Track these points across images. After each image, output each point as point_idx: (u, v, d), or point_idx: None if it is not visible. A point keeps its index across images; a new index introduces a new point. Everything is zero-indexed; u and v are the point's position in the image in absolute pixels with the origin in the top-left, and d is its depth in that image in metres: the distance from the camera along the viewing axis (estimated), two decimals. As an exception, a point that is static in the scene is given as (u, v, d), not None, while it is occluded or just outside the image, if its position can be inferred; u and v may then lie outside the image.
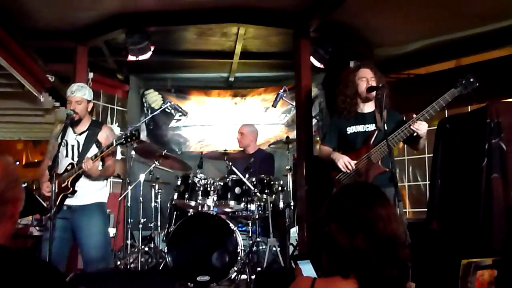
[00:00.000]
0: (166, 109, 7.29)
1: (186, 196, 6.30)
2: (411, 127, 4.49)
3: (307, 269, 2.48)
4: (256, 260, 6.09)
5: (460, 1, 5.75)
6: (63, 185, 4.82)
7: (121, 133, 4.89)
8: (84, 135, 5.03)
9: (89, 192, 4.97)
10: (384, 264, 1.91)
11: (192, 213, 6.24)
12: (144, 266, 6.42)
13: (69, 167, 4.90)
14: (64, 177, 4.86)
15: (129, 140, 4.76)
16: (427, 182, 7.13)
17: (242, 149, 7.71)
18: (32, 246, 7.29)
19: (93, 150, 4.95)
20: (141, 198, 6.82)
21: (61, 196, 4.81)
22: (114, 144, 4.75)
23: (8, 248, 1.87)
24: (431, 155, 5.88)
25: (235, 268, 5.78)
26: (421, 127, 4.49)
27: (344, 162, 4.68)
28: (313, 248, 5.71)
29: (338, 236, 1.97)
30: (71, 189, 4.84)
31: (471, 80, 4.51)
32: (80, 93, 4.99)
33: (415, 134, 4.54)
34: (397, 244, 1.96)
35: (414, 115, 4.54)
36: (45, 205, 4.80)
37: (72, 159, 4.95)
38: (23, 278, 1.78)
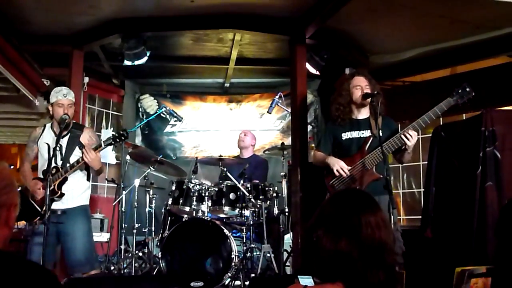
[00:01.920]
0: (161, 114, 7.29)
1: (181, 201, 6.28)
2: (403, 134, 4.49)
3: (307, 283, 2.48)
4: (250, 266, 6.08)
5: (456, 10, 5.77)
6: (50, 189, 4.80)
7: (112, 133, 4.86)
8: (66, 138, 5.02)
9: (74, 196, 4.98)
10: (369, 269, 1.92)
11: (187, 219, 6.22)
12: (138, 271, 6.40)
13: (53, 171, 4.87)
14: (51, 181, 4.84)
15: (117, 140, 4.74)
16: (422, 190, 7.14)
17: (238, 151, 7.73)
18: (25, 250, 7.27)
19: (76, 152, 4.96)
20: (135, 203, 6.80)
21: (48, 200, 4.79)
22: (103, 145, 4.74)
23: (7, 252, 1.86)
24: (426, 162, 5.91)
25: (229, 274, 5.76)
26: (410, 138, 4.47)
27: (339, 166, 4.68)
28: (308, 255, 5.72)
29: (324, 240, 1.98)
30: (59, 192, 4.83)
31: (467, 89, 4.51)
32: (71, 96, 5.02)
33: (404, 144, 4.52)
34: (384, 250, 1.96)
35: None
36: (39, 209, 4.80)
37: (55, 162, 4.93)
38: (21, 282, 1.77)
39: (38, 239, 4.69)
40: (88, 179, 5.18)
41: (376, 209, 2.06)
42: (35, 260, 4.51)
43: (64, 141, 5.00)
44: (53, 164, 4.91)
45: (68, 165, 4.88)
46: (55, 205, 4.88)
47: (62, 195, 4.87)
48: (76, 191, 5.00)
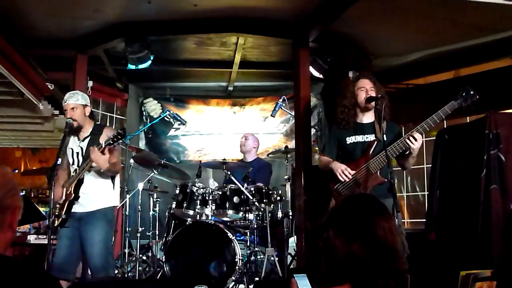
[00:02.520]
0: (165, 118, 7.32)
1: (184, 205, 6.29)
2: (408, 138, 4.47)
3: (303, 283, 2.48)
4: (254, 270, 6.08)
5: (459, 12, 5.77)
6: (67, 192, 4.82)
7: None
8: (87, 140, 5.03)
9: (94, 199, 4.95)
10: (380, 274, 1.91)
11: (190, 222, 6.24)
12: (141, 275, 6.41)
13: (73, 174, 4.91)
14: (67, 184, 4.86)
15: (115, 139, 4.73)
16: (426, 193, 7.13)
17: (242, 155, 7.74)
18: (30, 254, 7.28)
19: None
20: (139, 207, 6.80)
21: (67, 203, 4.80)
22: (103, 145, 4.72)
23: (7, 257, 1.87)
24: (430, 165, 5.89)
25: (233, 278, 5.76)
26: (414, 142, 4.46)
27: (341, 170, 4.68)
28: (312, 258, 5.71)
29: (336, 242, 1.98)
30: (74, 195, 4.82)
31: (471, 92, 4.50)
32: (73, 99, 4.98)
33: (408, 148, 4.51)
34: (395, 255, 1.96)
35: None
36: (43, 213, 4.81)
37: (78, 166, 4.95)
38: (21, 287, 1.78)
39: (61, 242, 4.75)
40: (112, 180, 5.13)
41: (389, 215, 2.06)
42: (58, 263, 4.55)
43: (84, 144, 5.01)
44: (75, 167, 4.95)
45: (81, 168, 4.88)
46: (76, 209, 4.89)
47: (77, 197, 4.84)
48: (96, 194, 4.97)
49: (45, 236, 7.53)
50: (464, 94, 4.50)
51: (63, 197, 4.81)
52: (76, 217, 4.88)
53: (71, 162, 5.01)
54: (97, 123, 5.25)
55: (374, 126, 4.77)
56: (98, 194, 4.99)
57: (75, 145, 5.03)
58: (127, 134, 7.25)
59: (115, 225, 5.80)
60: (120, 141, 4.87)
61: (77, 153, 5.00)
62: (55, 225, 4.77)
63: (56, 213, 4.80)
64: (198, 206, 6.26)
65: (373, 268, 1.91)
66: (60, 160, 4.80)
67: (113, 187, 5.14)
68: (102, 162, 4.79)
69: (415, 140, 4.46)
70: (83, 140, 5.02)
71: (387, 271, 1.92)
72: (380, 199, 2.18)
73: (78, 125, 4.97)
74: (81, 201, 4.88)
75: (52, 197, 4.59)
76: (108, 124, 8.69)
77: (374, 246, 1.93)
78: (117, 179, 5.20)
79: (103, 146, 4.72)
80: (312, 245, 5.85)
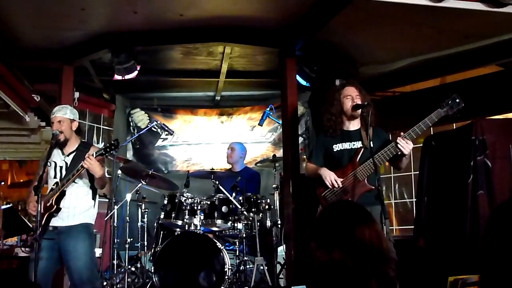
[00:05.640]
0: (153, 128, 7.29)
1: (173, 215, 6.28)
2: (397, 145, 4.49)
3: None
4: (244, 279, 6.06)
5: (444, 20, 5.80)
6: (48, 204, 4.78)
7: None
8: (72, 155, 5.00)
9: (75, 213, 4.91)
10: (362, 277, 1.91)
11: (179, 233, 6.22)
12: (130, 286, 6.37)
13: (54, 186, 4.88)
14: (49, 196, 4.83)
15: (108, 150, 4.72)
16: (414, 199, 7.15)
17: (229, 165, 7.72)
18: (18, 267, 7.22)
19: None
20: (127, 218, 6.78)
21: (46, 215, 4.77)
22: (95, 155, 4.71)
23: None
24: (417, 172, 5.92)
25: (223, 288, 5.76)
26: (405, 146, 4.48)
27: (331, 179, 4.68)
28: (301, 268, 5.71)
29: (317, 253, 1.98)
30: (55, 207, 4.78)
31: (457, 100, 4.51)
32: (61, 112, 4.96)
33: (399, 153, 4.53)
34: (377, 258, 1.96)
35: (402, 133, 4.53)
36: (30, 225, 4.78)
37: (60, 179, 4.92)
38: None
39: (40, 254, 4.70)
40: (93, 198, 5.10)
41: (368, 220, 2.06)
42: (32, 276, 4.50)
43: (69, 159, 4.99)
44: (56, 181, 4.92)
45: (66, 178, 4.85)
46: (55, 222, 4.85)
47: (58, 209, 4.81)
48: (78, 209, 4.93)
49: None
50: (450, 102, 4.51)
51: (41, 210, 4.75)
52: (53, 229, 4.84)
53: (52, 175, 4.96)
54: (83, 140, 5.22)
55: (361, 133, 4.79)
56: (79, 209, 4.95)
57: (59, 159, 4.99)
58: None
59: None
60: (114, 151, 4.88)
61: (60, 167, 4.97)
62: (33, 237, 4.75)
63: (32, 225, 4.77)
64: (187, 216, 6.25)
65: (355, 272, 1.91)
66: (50, 172, 4.82)
67: (94, 205, 5.12)
68: (98, 169, 4.77)
69: (406, 144, 4.47)
70: (68, 155, 5.00)
71: (372, 274, 1.92)
72: (367, 207, 2.18)
73: (65, 138, 4.95)
74: (61, 215, 4.85)
75: (39, 209, 4.56)
76: (95, 135, 8.67)
77: (355, 251, 1.93)
78: (97, 198, 5.18)
79: (95, 156, 4.71)
80: (301, 256, 5.85)
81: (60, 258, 4.85)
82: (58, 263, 4.89)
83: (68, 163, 4.97)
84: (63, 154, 5.02)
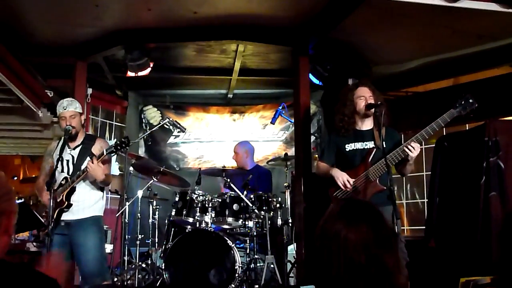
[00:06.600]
0: (165, 125, 7.32)
1: (184, 212, 6.27)
2: (406, 146, 4.47)
3: None
4: (254, 277, 6.06)
5: (458, 20, 5.78)
6: (58, 200, 4.81)
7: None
8: (78, 149, 5.03)
9: (85, 206, 4.95)
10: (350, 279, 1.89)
11: (190, 230, 6.22)
12: (141, 282, 6.39)
13: (63, 181, 4.90)
14: (59, 191, 4.85)
15: (119, 147, 4.74)
16: (425, 200, 7.13)
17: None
18: (29, 262, 7.26)
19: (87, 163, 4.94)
20: (138, 215, 6.79)
21: (57, 211, 4.80)
22: (105, 153, 4.73)
23: (7, 261, 1.86)
24: (429, 172, 5.89)
25: (233, 285, 5.74)
26: (413, 149, 4.46)
27: (344, 180, 4.67)
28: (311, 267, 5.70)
29: (324, 251, 1.97)
30: (66, 203, 4.82)
31: (470, 101, 4.48)
32: (72, 107, 4.99)
33: (407, 155, 4.50)
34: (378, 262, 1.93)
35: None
36: (42, 220, 4.80)
37: (68, 174, 4.95)
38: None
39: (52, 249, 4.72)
40: (102, 190, 5.15)
41: (374, 218, 2.00)
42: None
43: (75, 152, 5.02)
44: (64, 175, 4.94)
45: (75, 175, 4.88)
46: (65, 216, 4.89)
47: (69, 205, 4.85)
48: (87, 202, 4.98)
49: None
50: (463, 103, 4.48)
51: (53, 205, 4.78)
52: (65, 224, 4.88)
53: (59, 169, 4.99)
54: (87, 133, 5.24)
55: (373, 133, 4.77)
56: (89, 202, 4.99)
57: (65, 152, 5.01)
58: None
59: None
60: (126, 149, 4.90)
61: (67, 161, 4.99)
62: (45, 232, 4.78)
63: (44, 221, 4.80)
64: (198, 214, 6.25)
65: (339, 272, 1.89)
66: (58, 167, 4.84)
67: (102, 197, 5.16)
68: (99, 174, 4.80)
69: (413, 148, 4.46)
70: (74, 149, 5.03)
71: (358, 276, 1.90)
72: (379, 207, 2.15)
73: (76, 132, 4.98)
74: (71, 209, 4.89)
75: (51, 204, 4.59)
76: (107, 132, 8.70)
77: (349, 258, 1.89)
78: (106, 188, 5.22)
79: (105, 153, 4.73)
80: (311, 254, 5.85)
81: (71, 253, 4.88)
82: (68, 258, 4.91)
83: (75, 157, 5.00)
84: (69, 147, 5.04)
